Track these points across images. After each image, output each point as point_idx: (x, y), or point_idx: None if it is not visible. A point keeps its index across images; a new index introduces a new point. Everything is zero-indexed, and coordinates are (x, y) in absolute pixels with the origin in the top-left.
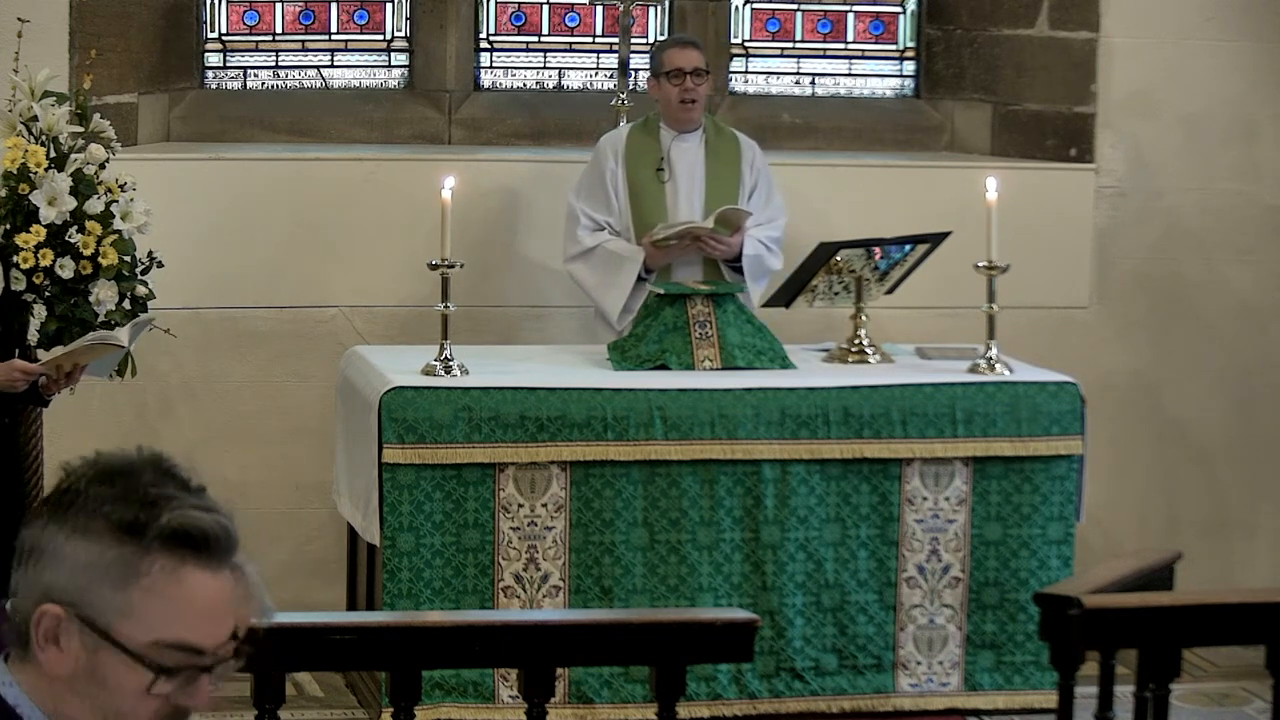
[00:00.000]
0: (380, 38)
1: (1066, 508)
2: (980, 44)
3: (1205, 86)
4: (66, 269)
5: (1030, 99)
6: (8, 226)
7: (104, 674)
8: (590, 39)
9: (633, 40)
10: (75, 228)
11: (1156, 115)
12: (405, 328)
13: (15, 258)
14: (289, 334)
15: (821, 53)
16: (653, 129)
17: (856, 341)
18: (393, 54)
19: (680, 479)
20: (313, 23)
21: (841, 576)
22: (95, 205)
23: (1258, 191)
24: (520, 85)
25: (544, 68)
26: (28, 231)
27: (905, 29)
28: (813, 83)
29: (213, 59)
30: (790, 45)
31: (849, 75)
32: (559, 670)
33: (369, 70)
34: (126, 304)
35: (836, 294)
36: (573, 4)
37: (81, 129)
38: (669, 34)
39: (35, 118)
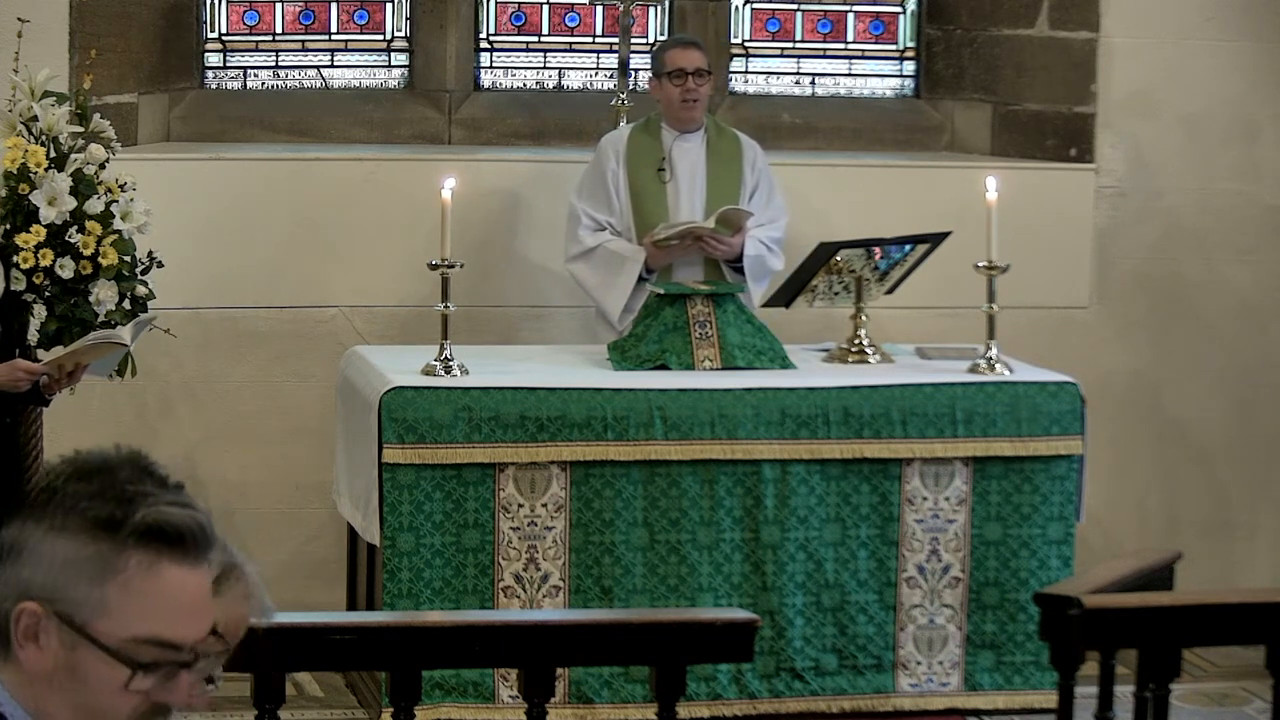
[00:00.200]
0: (380, 38)
1: (1066, 508)
2: (980, 44)
3: (1205, 86)
4: (66, 269)
5: (1030, 99)
6: (8, 226)
7: (83, 671)
8: (590, 39)
9: (633, 40)
10: (75, 228)
11: (1156, 115)
12: (405, 328)
13: (15, 258)
14: (289, 334)
15: (821, 53)
16: (654, 129)
17: (856, 341)
18: (393, 54)
19: (680, 479)
20: (313, 23)
21: (841, 576)
22: (95, 205)
23: (1258, 191)
24: (520, 85)
25: (544, 68)
26: (28, 231)
27: (905, 29)
28: (813, 83)
29: (213, 59)
30: (790, 45)
31: (849, 75)
32: (559, 670)
33: (369, 70)
34: (126, 304)
35: (836, 294)
36: (573, 4)
37: (81, 129)
38: (669, 34)
39: (35, 118)
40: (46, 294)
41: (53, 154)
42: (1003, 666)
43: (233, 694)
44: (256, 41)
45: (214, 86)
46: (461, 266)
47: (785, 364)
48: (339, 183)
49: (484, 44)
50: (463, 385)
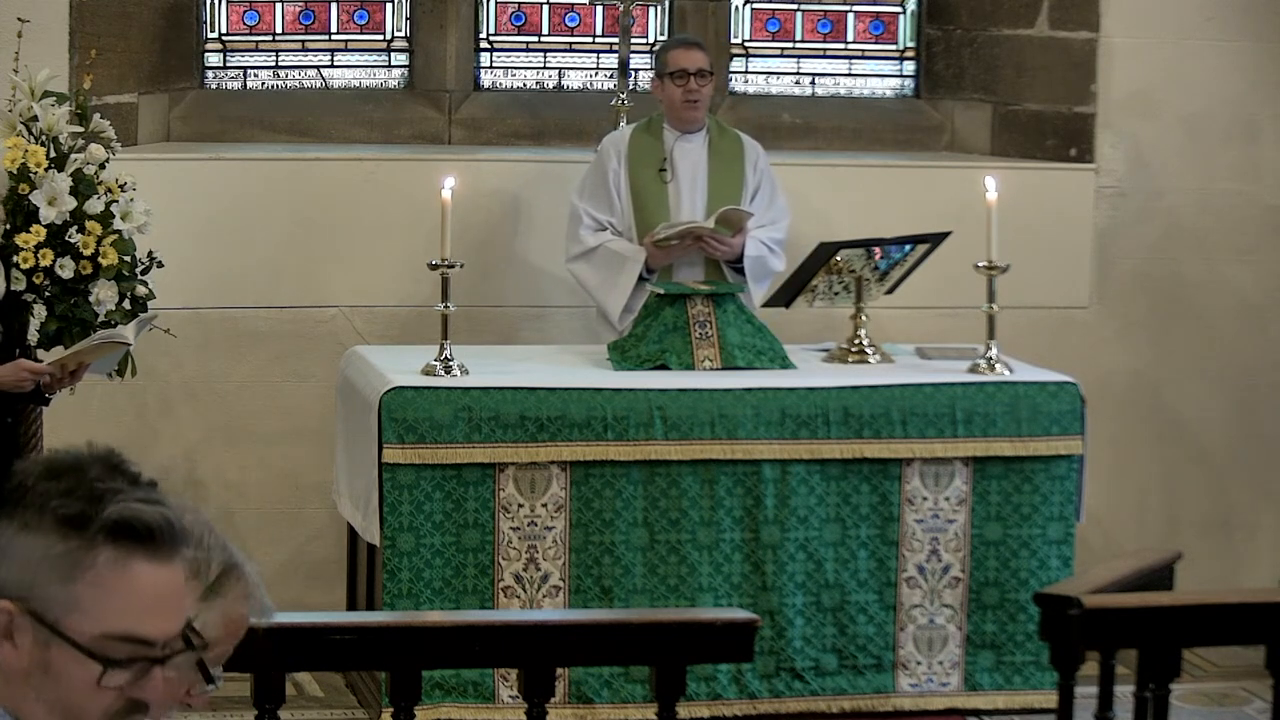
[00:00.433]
0: (380, 38)
1: (1066, 508)
2: (980, 44)
3: (1205, 86)
4: (66, 269)
5: (1030, 99)
6: (8, 226)
7: (56, 668)
8: (590, 39)
9: (633, 40)
10: (75, 228)
11: (1156, 115)
12: (405, 328)
13: (15, 258)
14: (289, 334)
15: (821, 53)
16: (656, 129)
17: (856, 341)
18: (393, 54)
19: (680, 479)
20: (313, 23)
21: (841, 576)
22: (95, 205)
23: (1258, 191)
24: (520, 85)
25: (544, 68)
26: (28, 231)
27: (905, 29)
28: (813, 83)
29: (213, 59)
30: (790, 45)
31: (849, 75)
32: (559, 670)
33: (369, 70)
34: (126, 304)
35: (836, 294)
36: (573, 4)
37: (81, 129)
38: (669, 34)
39: (35, 118)
40: (46, 294)
41: (53, 154)
42: (1003, 666)
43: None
44: (256, 41)
45: (214, 86)
46: (461, 266)
47: (785, 364)
48: (339, 183)
49: (484, 44)
50: (463, 385)
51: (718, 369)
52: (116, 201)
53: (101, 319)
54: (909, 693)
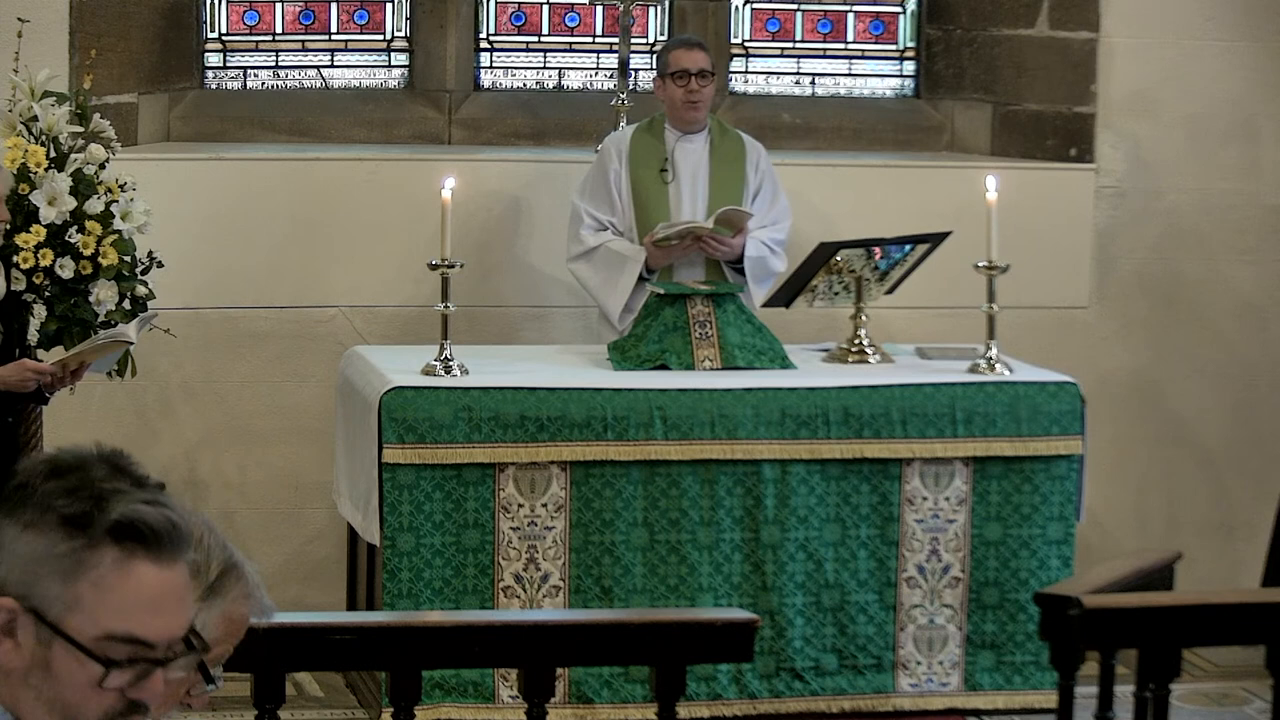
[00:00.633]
0: (380, 38)
1: (1066, 508)
2: (980, 44)
3: (1205, 86)
4: (66, 269)
5: (1030, 99)
6: (8, 226)
7: (56, 668)
8: (590, 39)
9: (633, 40)
10: (75, 228)
11: (1156, 115)
12: (405, 328)
13: (15, 258)
14: (289, 334)
15: (821, 53)
16: (657, 129)
17: (856, 341)
18: (393, 54)
19: (680, 479)
20: (313, 23)
21: (841, 576)
22: (95, 205)
23: (1258, 191)
24: (520, 85)
25: (544, 68)
26: (28, 231)
27: (905, 29)
28: (813, 83)
29: (213, 59)
30: (790, 45)
31: (849, 75)
32: (559, 670)
33: (369, 70)
34: (126, 304)
35: (836, 294)
36: (573, 4)
37: (81, 129)
38: (669, 34)
39: (35, 118)
40: (46, 294)
41: (53, 154)
42: (1003, 666)
43: (233, 694)
44: (256, 41)
45: (214, 86)
46: (462, 266)
47: (785, 364)
48: (339, 183)
49: (484, 44)
50: (463, 385)
51: (718, 369)
52: (116, 201)
53: (101, 319)
54: (909, 693)
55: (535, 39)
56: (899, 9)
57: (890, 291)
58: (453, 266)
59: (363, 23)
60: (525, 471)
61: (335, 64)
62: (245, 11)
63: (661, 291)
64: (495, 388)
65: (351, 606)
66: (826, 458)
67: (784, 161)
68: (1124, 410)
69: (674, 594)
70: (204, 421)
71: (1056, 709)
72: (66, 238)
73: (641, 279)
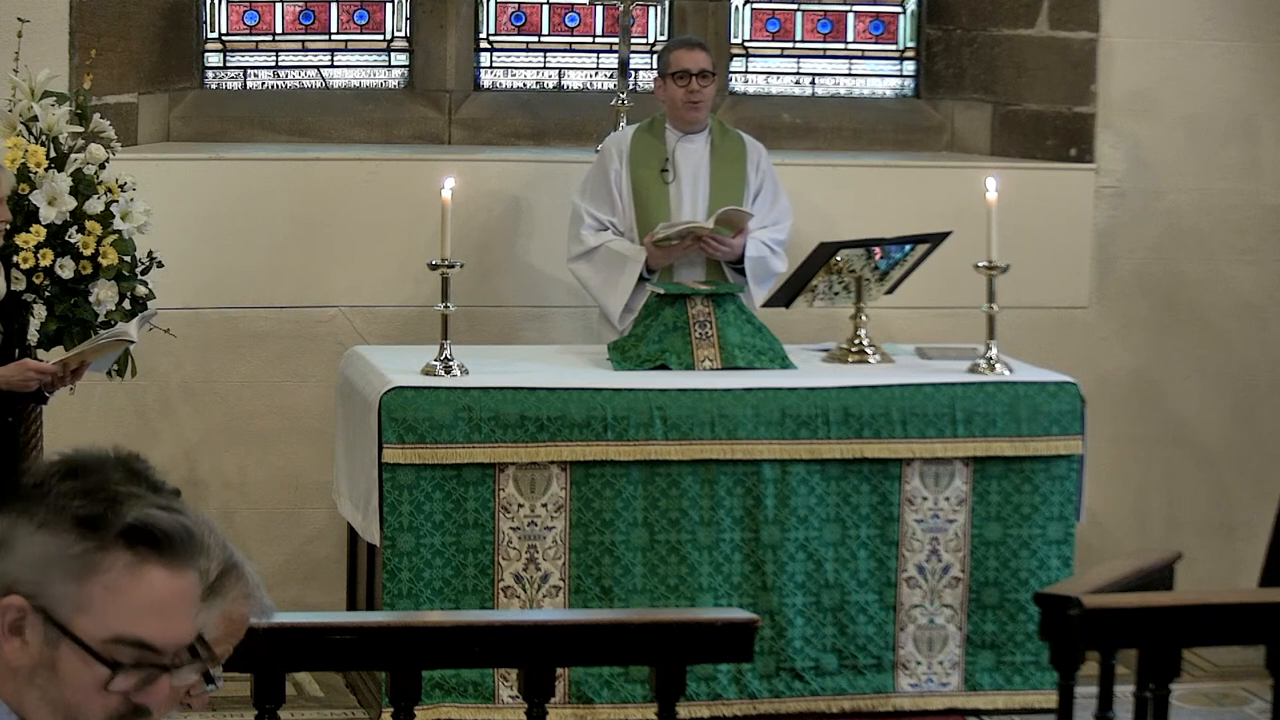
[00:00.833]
0: (380, 38)
1: (1066, 508)
2: (980, 44)
3: (1205, 86)
4: (66, 269)
5: (1030, 99)
6: (8, 226)
7: (62, 668)
8: (590, 39)
9: (633, 40)
10: (75, 228)
11: (1156, 115)
12: (405, 328)
13: (15, 258)
14: (289, 334)
15: (821, 53)
16: (658, 130)
17: (856, 341)
18: (393, 54)
19: (680, 479)
20: (313, 23)
21: (841, 576)
22: (95, 205)
23: (1258, 191)
24: (520, 85)
25: (544, 68)
26: (28, 231)
27: (905, 29)
28: (813, 83)
29: (213, 59)
30: (790, 45)
31: (849, 75)
32: (559, 670)
33: (369, 70)
34: (126, 304)
35: (836, 294)
36: (573, 4)
37: (81, 129)
38: (669, 34)
39: (35, 118)
40: (46, 294)
41: (53, 154)
42: (1003, 666)
43: (233, 694)
44: (256, 41)
45: (214, 86)
46: (462, 266)
47: (785, 364)
48: (339, 183)
49: (484, 44)
50: (463, 385)
51: (718, 369)
52: (116, 201)
53: (101, 319)
54: (909, 693)
55: (535, 39)
56: (899, 9)
57: (890, 291)
58: (453, 266)
59: (363, 23)
60: (525, 471)
61: (335, 64)
62: (245, 11)
63: (662, 291)
64: (495, 388)
65: (351, 606)
66: (826, 458)
67: (784, 161)
68: (1124, 410)
69: (674, 594)
70: (204, 421)
71: (1056, 709)
72: (66, 238)
73: (642, 279)
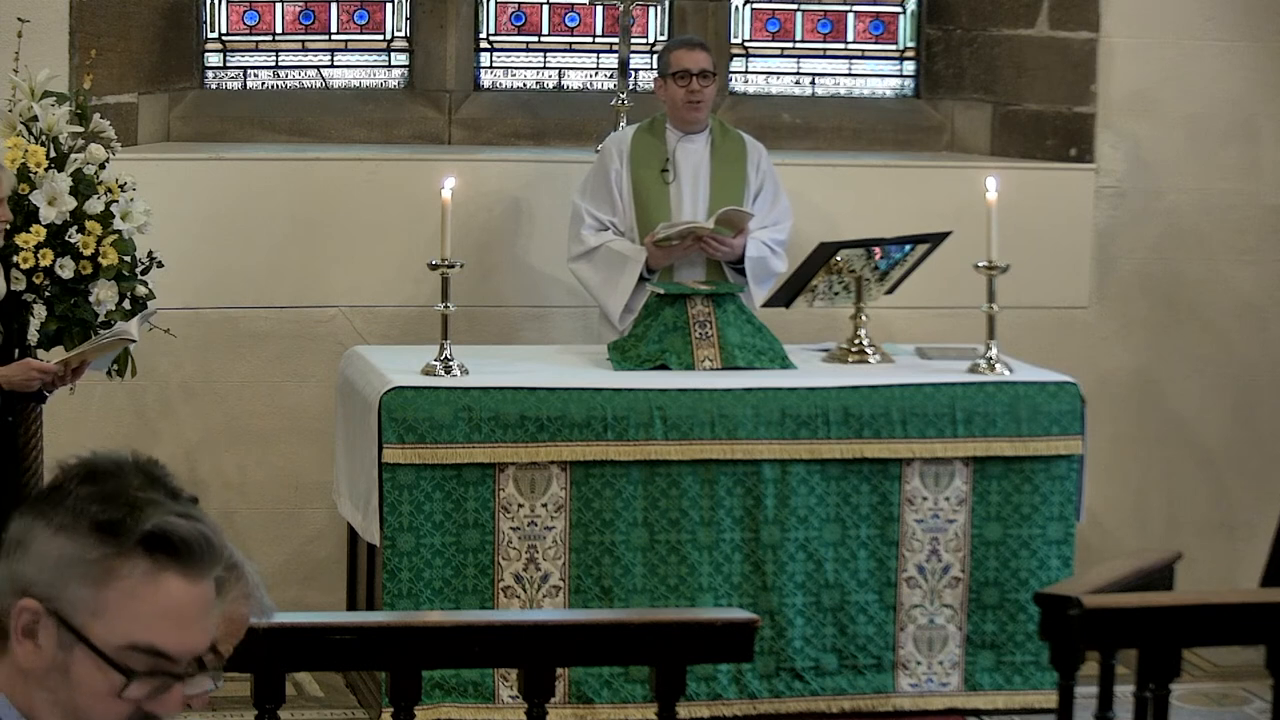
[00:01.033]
0: (380, 38)
1: (1066, 508)
2: (980, 44)
3: (1205, 86)
4: (66, 269)
5: (1030, 99)
6: (8, 226)
7: (75, 674)
8: (590, 39)
9: (633, 40)
10: (75, 228)
11: (1156, 115)
12: (405, 328)
13: (15, 258)
14: (289, 334)
15: (821, 53)
16: (659, 130)
17: (856, 341)
18: (393, 54)
19: (680, 479)
20: (313, 23)
21: (841, 576)
22: (95, 205)
23: (1258, 191)
24: (520, 85)
25: (544, 68)
26: (28, 231)
27: (905, 29)
28: (813, 83)
29: (213, 59)
30: (790, 45)
31: (849, 75)
32: (559, 670)
33: (369, 70)
34: (126, 304)
35: (836, 294)
36: (573, 4)
37: (81, 129)
38: (669, 34)
39: (35, 118)
40: (46, 294)
41: (53, 154)
42: (1003, 666)
43: (233, 694)
44: (256, 41)
45: (214, 86)
46: (462, 266)
47: (785, 364)
48: (339, 183)
49: (484, 44)
50: (463, 385)
51: (718, 369)
52: (116, 201)
53: (101, 319)
54: (909, 693)
55: (535, 39)
56: (899, 9)
57: (890, 291)
58: (453, 266)
59: (363, 23)
60: (525, 471)
61: (335, 64)
62: (245, 11)
63: (662, 291)
64: (495, 388)
65: (351, 606)
66: (826, 458)
67: (784, 161)
68: (1124, 410)
69: (674, 594)
70: (204, 421)
71: (1056, 709)
72: (66, 238)
73: (642, 279)
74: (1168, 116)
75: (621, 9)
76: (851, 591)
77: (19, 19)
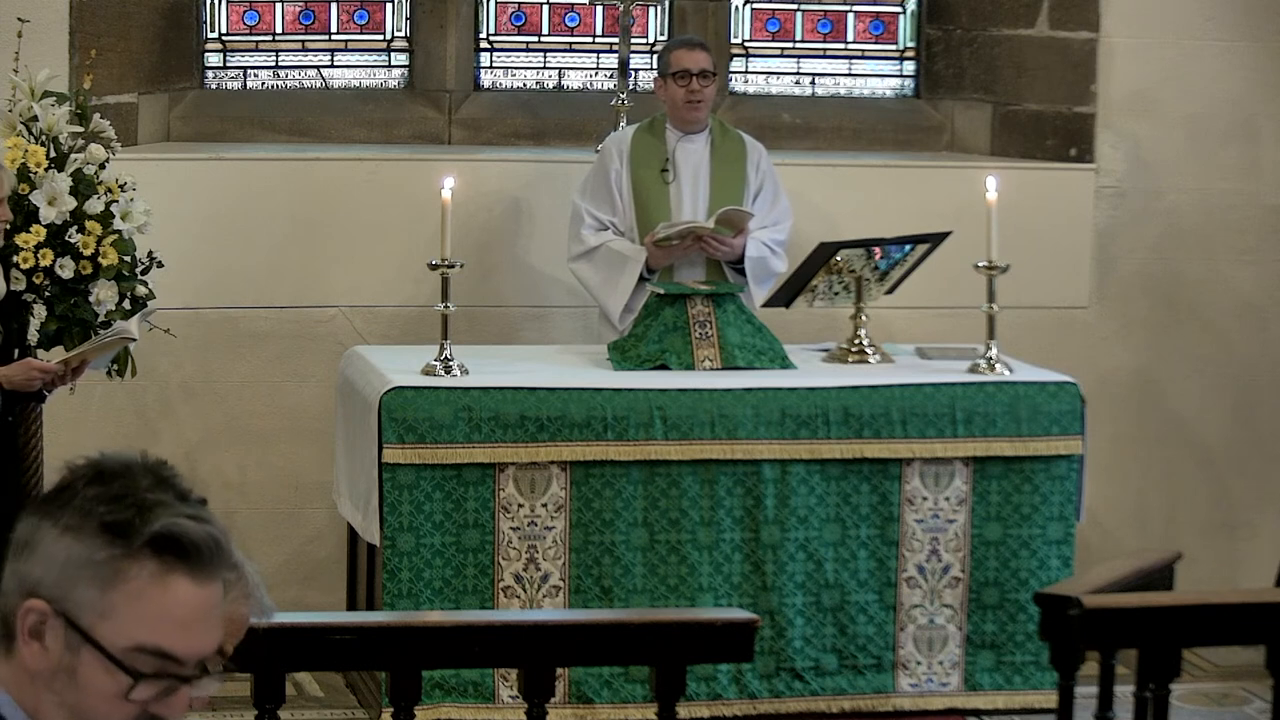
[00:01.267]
0: (380, 38)
1: (1066, 508)
2: (980, 44)
3: (1205, 86)
4: (66, 269)
5: (1030, 99)
6: (8, 226)
7: (82, 675)
8: (590, 39)
9: (633, 40)
10: (75, 228)
11: (1156, 115)
12: (405, 328)
13: (15, 258)
14: (289, 334)
15: (821, 53)
16: (659, 129)
17: (856, 341)
18: (393, 54)
19: (680, 479)
20: (313, 23)
21: (841, 576)
22: (95, 205)
23: (1258, 191)
24: (520, 85)
25: (544, 68)
26: (28, 231)
27: (905, 29)
28: (813, 83)
29: (213, 59)
30: (790, 45)
31: (849, 75)
32: (559, 670)
33: (369, 70)
34: (126, 304)
35: (836, 294)
36: (573, 4)
37: (81, 129)
38: (669, 34)
39: (35, 118)
40: (46, 294)
41: (53, 154)
42: (1003, 666)
43: (233, 694)
44: (256, 41)
45: (214, 86)
46: (461, 266)
47: (785, 364)
48: (339, 183)
49: (484, 44)
50: (463, 385)
51: (718, 369)
52: (116, 201)
53: (101, 319)
54: (909, 693)
55: (535, 39)
56: (899, 9)
57: (890, 291)
58: (453, 266)
59: (363, 23)
60: (525, 471)
61: (335, 64)
62: (245, 11)
63: (662, 291)
64: (495, 388)
65: (351, 606)
66: (826, 458)
67: (784, 161)
68: (1124, 410)
69: (674, 594)
70: (204, 421)
71: (1056, 709)
72: (66, 238)
73: (642, 279)
74: (1168, 116)
75: (621, 9)
76: (851, 591)
77: (19, 19)
